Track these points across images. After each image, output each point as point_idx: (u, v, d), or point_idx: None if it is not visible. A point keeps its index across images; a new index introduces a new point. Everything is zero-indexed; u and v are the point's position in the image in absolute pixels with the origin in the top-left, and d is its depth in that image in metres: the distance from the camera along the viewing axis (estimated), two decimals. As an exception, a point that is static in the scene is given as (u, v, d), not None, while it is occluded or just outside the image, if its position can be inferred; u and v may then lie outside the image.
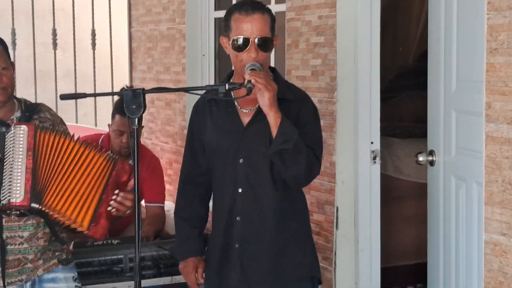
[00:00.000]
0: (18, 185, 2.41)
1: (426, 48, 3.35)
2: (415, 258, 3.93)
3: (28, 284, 2.66)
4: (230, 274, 2.53)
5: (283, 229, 2.51)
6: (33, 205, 2.41)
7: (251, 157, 2.43)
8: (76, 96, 2.39)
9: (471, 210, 2.89)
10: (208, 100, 2.53)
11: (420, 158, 3.16)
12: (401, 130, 4.30)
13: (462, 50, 2.98)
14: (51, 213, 2.47)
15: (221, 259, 2.56)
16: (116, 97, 4.66)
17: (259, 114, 2.33)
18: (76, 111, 5.77)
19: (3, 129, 2.52)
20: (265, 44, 2.39)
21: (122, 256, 3.32)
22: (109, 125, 4.02)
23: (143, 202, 3.86)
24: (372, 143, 3.31)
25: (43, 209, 2.44)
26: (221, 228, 2.54)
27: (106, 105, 5.41)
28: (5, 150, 2.44)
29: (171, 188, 4.63)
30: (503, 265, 2.39)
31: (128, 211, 2.61)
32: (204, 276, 2.65)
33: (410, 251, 4.05)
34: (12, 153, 2.44)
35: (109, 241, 3.47)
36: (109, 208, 2.55)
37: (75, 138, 2.61)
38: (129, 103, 2.12)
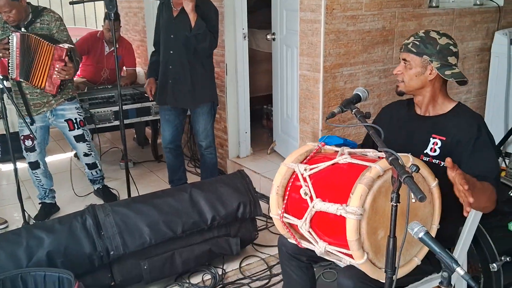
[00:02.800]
0: (13, 67, 3.13)
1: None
2: (266, 91, 4.84)
3: (48, 113, 3.40)
4: (167, 96, 3.44)
5: (194, 72, 3.35)
6: (22, 80, 3.15)
7: (176, 34, 3.32)
8: (82, 1, 3.19)
9: (293, 60, 3.88)
10: (161, 3, 3.37)
11: (268, 37, 4.25)
12: (259, 26, 5.02)
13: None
14: (31, 85, 3.13)
15: (162, 87, 3.45)
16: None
17: (181, 12, 3.22)
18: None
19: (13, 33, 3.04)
20: None
21: (114, 93, 4.23)
22: (102, 25, 4.56)
23: (124, 68, 4.81)
24: (243, 29, 4.20)
25: (26, 83, 3.16)
26: (163, 71, 3.42)
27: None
28: (10, 48, 3.10)
29: (139, 60, 5.57)
30: (307, 85, 3.32)
31: (67, 76, 3.08)
32: (155, 93, 3.51)
33: (264, 88, 4.96)
34: (11, 50, 3.10)
35: (107, 86, 4.41)
36: (54, 76, 3.10)
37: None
38: (108, 4, 2.98)
